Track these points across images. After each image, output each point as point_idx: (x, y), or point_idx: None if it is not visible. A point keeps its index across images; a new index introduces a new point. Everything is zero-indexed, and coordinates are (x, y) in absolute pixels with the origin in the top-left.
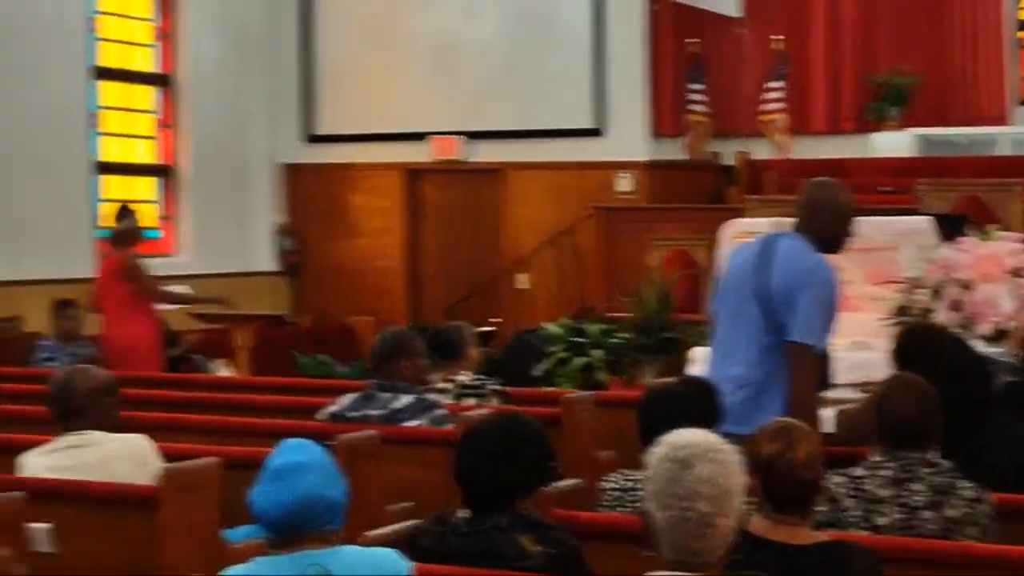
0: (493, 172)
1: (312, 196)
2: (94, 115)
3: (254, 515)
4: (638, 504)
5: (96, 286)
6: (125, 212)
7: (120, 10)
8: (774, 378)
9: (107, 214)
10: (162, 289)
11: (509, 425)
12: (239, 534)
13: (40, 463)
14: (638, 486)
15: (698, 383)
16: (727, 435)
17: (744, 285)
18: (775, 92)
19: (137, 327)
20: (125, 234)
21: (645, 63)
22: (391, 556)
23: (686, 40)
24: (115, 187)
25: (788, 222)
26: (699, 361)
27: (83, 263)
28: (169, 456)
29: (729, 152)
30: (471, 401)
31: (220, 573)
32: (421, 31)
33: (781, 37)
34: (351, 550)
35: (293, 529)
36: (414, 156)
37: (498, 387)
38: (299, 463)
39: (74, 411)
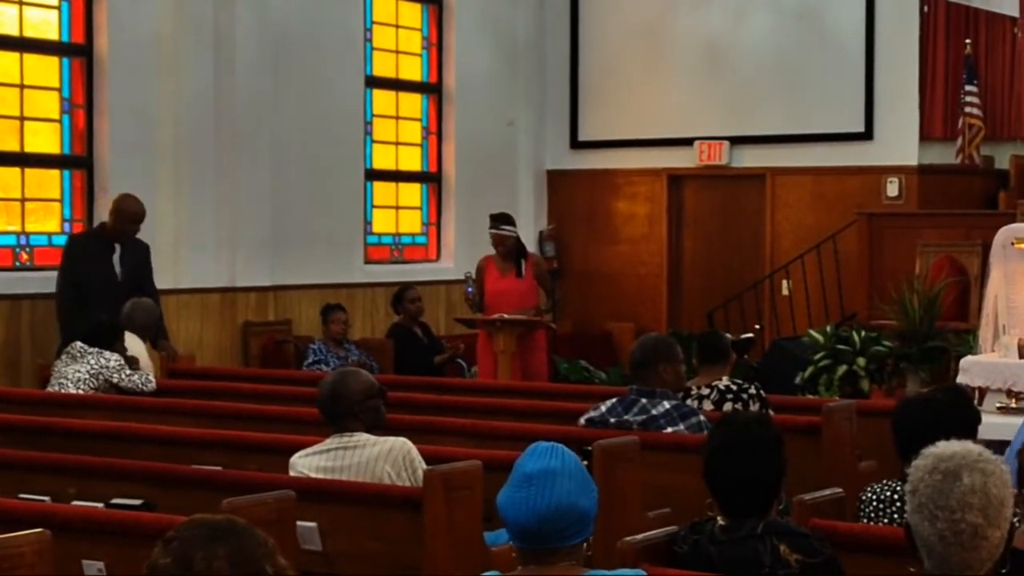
0: (756, 177)
1: (574, 202)
2: (369, 123)
3: (503, 520)
4: (897, 516)
5: None
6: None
7: (391, 20)
8: None
9: (377, 220)
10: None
11: (763, 425)
12: (500, 537)
13: (309, 463)
14: (897, 497)
15: (954, 391)
16: None
17: None
18: None
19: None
20: None
21: (917, 65)
22: None
23: (959, 41)
24: (381, 193)
25: None
26: (968, 371)
27: (354, 268)
28: (429, 459)
29: (1003, 156)
30: (730, 406)
31: None
32: (688, 36)
33: None
34: (599, 575)
35: (542, 539)
36: (677, 161)
37: (757, 392)
38: (552, 469)
39: (342, 413)
